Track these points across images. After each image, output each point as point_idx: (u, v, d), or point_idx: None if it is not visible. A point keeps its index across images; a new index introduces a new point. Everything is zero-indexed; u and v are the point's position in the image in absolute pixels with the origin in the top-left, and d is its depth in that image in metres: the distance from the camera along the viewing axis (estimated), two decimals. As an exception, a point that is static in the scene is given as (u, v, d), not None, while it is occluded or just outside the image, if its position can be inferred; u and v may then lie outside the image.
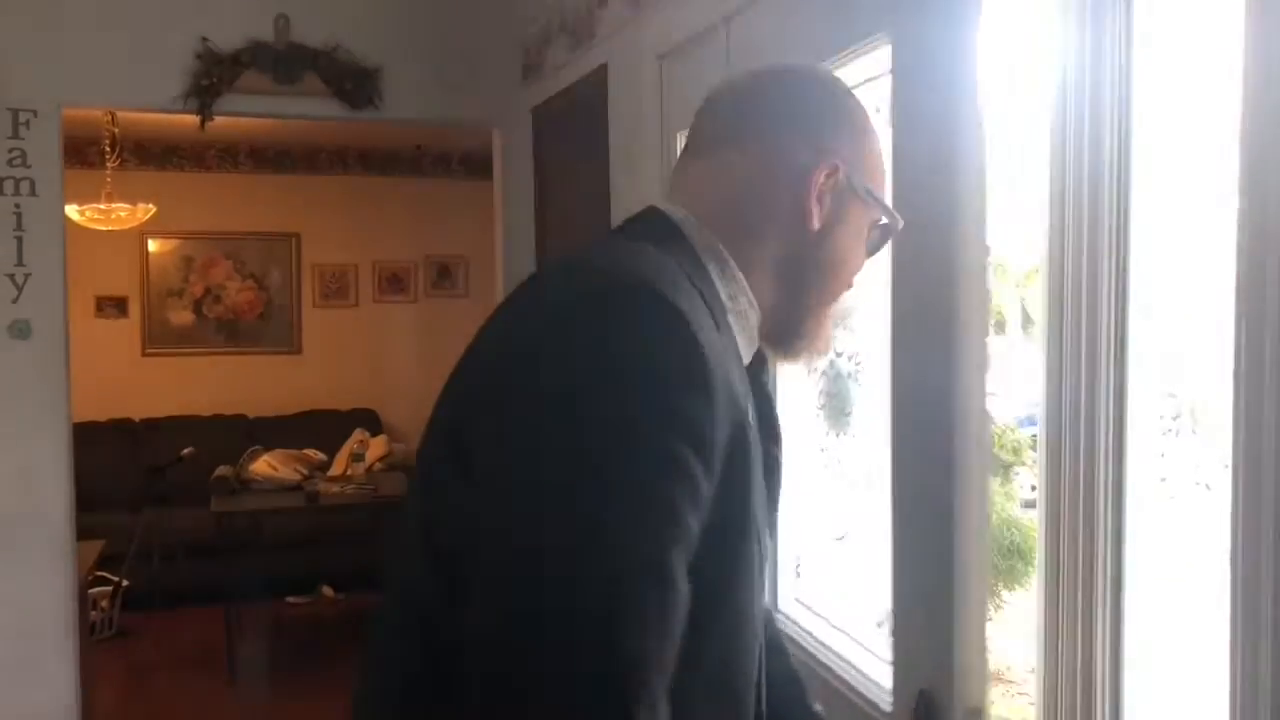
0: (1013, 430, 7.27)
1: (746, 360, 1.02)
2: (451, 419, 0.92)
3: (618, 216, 2.15)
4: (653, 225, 1.01)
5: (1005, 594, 5.81)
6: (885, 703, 1.91)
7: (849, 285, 1.09)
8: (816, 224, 1.01)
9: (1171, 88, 1.47)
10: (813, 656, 2.18)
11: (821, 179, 1.00)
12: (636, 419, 0.81)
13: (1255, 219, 1.23)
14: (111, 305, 7.04)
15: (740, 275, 1.01)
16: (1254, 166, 1.23)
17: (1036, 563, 1.58)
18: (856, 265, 1.08)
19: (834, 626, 2.29)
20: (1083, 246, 1.48)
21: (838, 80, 1.11)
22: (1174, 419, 1.49)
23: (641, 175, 2.96)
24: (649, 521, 0.79)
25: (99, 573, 4.92)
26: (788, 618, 2.40)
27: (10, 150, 3.65)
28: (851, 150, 1.03)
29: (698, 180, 1.05)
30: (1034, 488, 1.85)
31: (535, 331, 0.87)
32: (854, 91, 1.10)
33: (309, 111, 4.03)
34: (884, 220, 1.08)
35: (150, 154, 6.96)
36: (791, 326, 1.06)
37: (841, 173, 1.02)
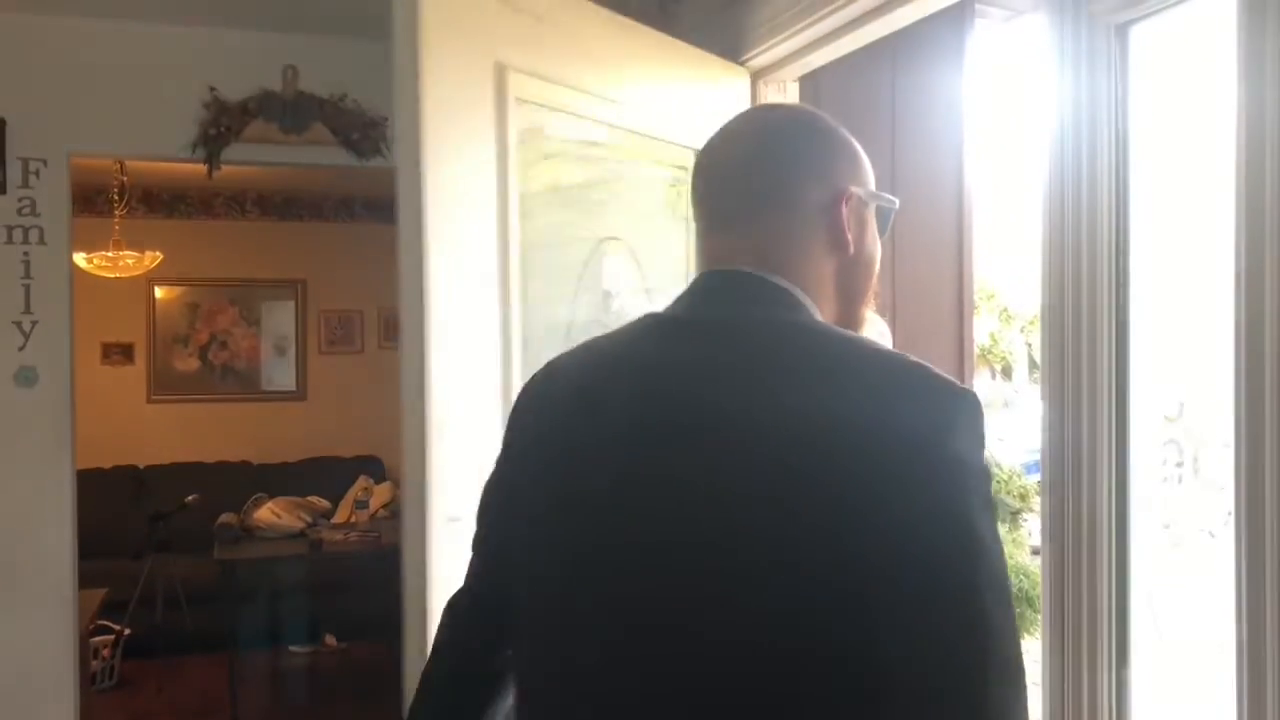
0: (1019, 476, 7.20)
1: None
2: (821, 534, 0.91)
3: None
4: (773, 296, 1.06)
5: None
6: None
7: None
8: (853, 250, 1.11)
9: (1167, 136, 1.48)
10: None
11: (845, 210, 1.09)
12: None
13: (1254, 265, 1.23)
14: (118, 352, 7.06)
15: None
16: (1251, 212, 1.23)
17: (1041, 609, 1.56)
18: (879, 253, 1.18)
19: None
20: (1081, 291, 1.49)
21: (808, 109, 1.21)
22: (1177, 466, 1.48)
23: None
24: None
25: (101, 621, 4.89)
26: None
27: (20, 199, 3.69)
28: (850, 167, 1.13)
29: (741, 250, 1.09)
30: (1039, 534, 1.84)
31: (940, 455, 0.92)
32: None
33: (316, 160, 4.05)
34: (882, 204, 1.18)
35: (158, 202, 7.01)
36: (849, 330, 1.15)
37: (854, 195, 1.11)
